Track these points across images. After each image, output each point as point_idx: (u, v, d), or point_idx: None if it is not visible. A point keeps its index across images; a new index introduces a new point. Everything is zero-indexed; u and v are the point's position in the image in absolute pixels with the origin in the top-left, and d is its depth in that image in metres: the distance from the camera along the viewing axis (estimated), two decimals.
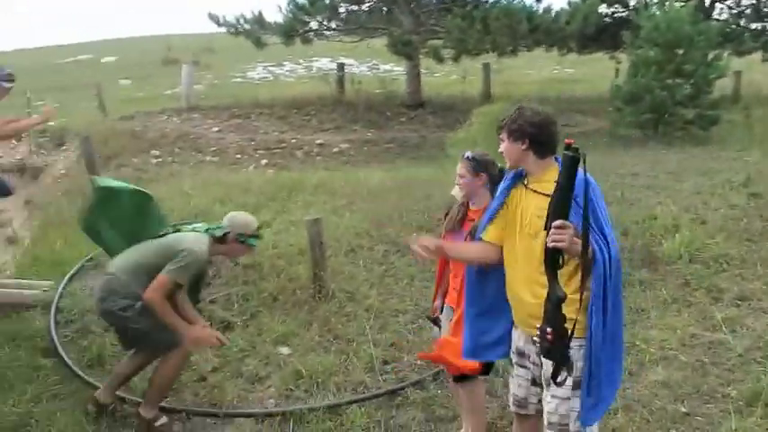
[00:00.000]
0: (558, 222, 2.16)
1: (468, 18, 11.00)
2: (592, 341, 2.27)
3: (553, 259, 2.22)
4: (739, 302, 4.36)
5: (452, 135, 11.14)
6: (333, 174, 8.59)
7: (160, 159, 9.83)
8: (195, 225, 3.51)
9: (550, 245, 2.19)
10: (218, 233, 3.33)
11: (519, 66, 19.14)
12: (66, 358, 3.88)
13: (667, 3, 10.34)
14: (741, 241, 5.28)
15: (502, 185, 2.55)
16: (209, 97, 14.82)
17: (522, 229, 2.41)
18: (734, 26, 13.81)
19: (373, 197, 6.97)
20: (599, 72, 17.08)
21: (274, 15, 13.32)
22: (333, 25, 12.84)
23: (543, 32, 10.48)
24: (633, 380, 3.65)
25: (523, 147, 2.39)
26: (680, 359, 3.85)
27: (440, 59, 11.33)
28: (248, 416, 3.44)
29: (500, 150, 2.50)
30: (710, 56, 10.24)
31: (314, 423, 3.37)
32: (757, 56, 15.34)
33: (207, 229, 3.38)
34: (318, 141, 11.16)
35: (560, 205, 2.18)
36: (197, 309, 3.54)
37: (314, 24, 12.63)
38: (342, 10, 12.85)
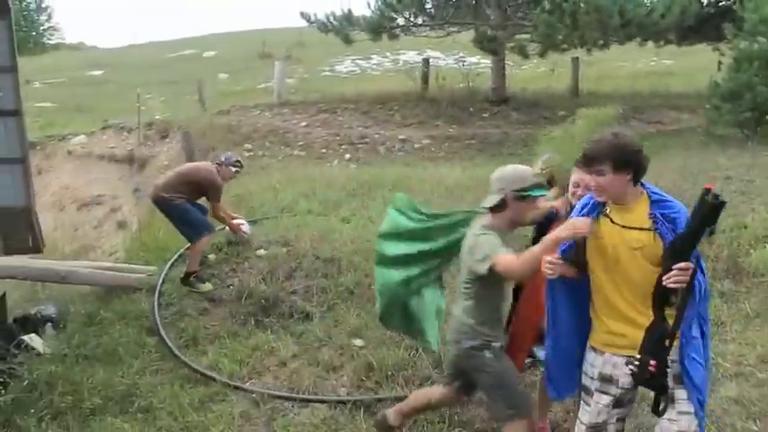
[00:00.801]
0: (682, 264, 2.18)
1: (557, 12, 10.77)
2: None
3: (664, 296, 2.27)
4: None
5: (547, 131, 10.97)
6: (412, 170, 8.79)
7: (252, 153, 10.42)
8: (453, 216, 3.26)
9: (671, 285, 2.21)
10: (492, 202, 2.85)
11: (612, 58, 18.40)
12: (166, 338, 4.35)
13: None
14: None
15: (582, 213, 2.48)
16: (299, 91, 15.47)
17: (612, 261, 2.38)
18: None
19: (450, 195, 7.11)
20: (701, 64, 16.12)
21: (363, 12, 13.63)
22: (419, 21, 12.96)
23: (636, 26, 10.07)
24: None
25: (628, 177, 2.33)
26: (757, 376, 3.75)
27: (525, 56, 11.19)
28: (322, 402, 3.73)
29: (593, 185, 2.41)
30: None
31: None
32: None
33: (469, 212, 3.14)
34: (401, 137, 11.38)
35: (687, 246, 2.21)
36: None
37: (401, 20, 12.80)
38: (428, 6, 12.93)
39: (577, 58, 13.51)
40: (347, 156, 10.62)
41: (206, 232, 5.12)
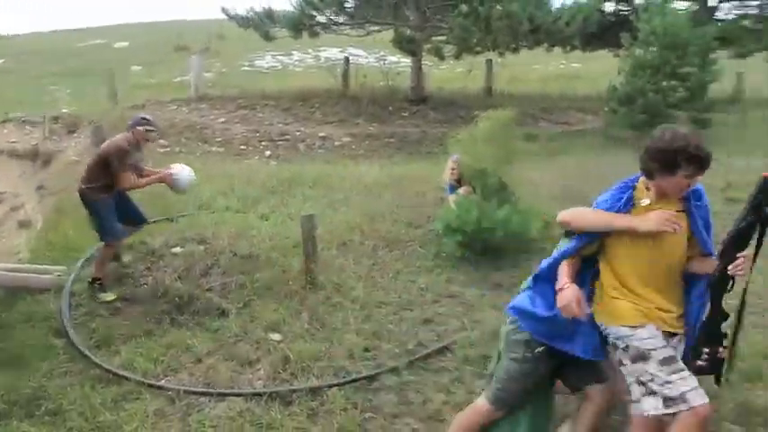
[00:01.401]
0: (746, 253, 2.32)
1: (472, 15, 11.22)
2: None
3: (724, 283, 2.38)
4: None
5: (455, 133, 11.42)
6: (332, 168, 8.93)
7: (168, 149, 10.19)
8: None
9: (738, 274, 2.33)
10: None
11: (525, 60, 19.29)
12: (74, 339, 4.25)
13: (667, 4, 10.50)
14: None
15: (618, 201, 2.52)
16: (217, 86, 15.18)
17: (658, 241, 2.45)
18: (736, 28, 13.92)
19: (368, 193, 7.31)
20: (604, 69, 17.20)
21: (283, 8, 13.52)
22: (340, 19, 13.07)
23: (544, 33, 10.71)
24: None
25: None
26: None
27: (441, 57, 11.58)
28: (238, 395, 3.80)
29: (690, 186, 2.43)
30: (706, 59, 10.45)
31: (297, 403, 3.72)
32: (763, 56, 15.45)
33: None
34: (321, 134, 11.48)
35: (749, 236, 2.33)
36: None
37: (321, 18, 12.86)
38: (349, 5, 13.07)
39: (491, 60, 14.10)
40: (267, 153, 10.61)
41: (113, 240, 4.97)
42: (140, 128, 4.96)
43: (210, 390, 3.85)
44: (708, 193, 6.57)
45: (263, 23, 12.94)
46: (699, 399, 2.32)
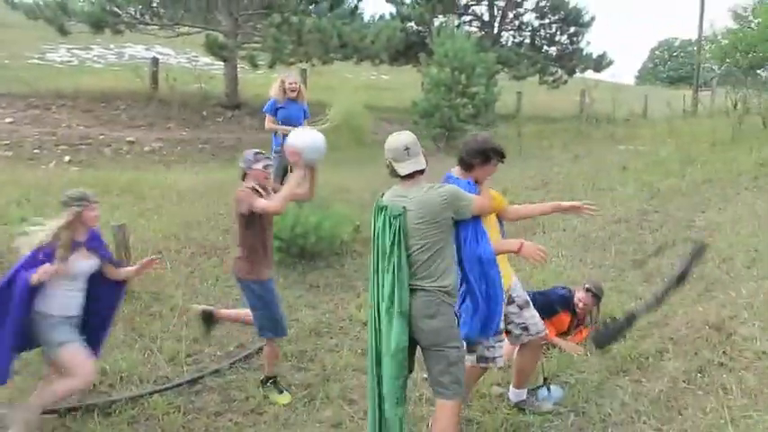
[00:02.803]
0: None
1: (285, 25, 11.54)
2: None
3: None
4: None
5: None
6: (143, 175, 8.58)
7: None
8: None
9: None
10: (422, 163, 3.02)
11: (340, 69, 20.17)
12: None
13: (457, 30, 11.90)
14: None
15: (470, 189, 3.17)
16: None
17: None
18: (515, 54, 16.18)
19: (182, 200, 7.24)
20: (411, 82, 18.71)
21: (83, 3, 12.47)
22: (147, 19, 12.46)
23: (352, 48, 11.45)
24: None
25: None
26: None
27: (255, 65, 11.72)
28: (51, 412, 3.68)
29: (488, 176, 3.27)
30: (490, 81, 12.07)
31: (117, 413, 3.74)
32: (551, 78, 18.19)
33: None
34: (129, 138, 10.88)
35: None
36: None
37: (125, 17, 12.13)
38: (155, 4, 12.52)
39: (305, 69, 14.55)
40: (66, 158, 9.79)
41: None
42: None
43: (19, 406, 3.68)
44: None
45: (56, 17, 11.81)
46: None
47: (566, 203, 3.62)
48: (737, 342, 3.36)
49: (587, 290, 4.40)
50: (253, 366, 4.40)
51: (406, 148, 2.97)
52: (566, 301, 4.40)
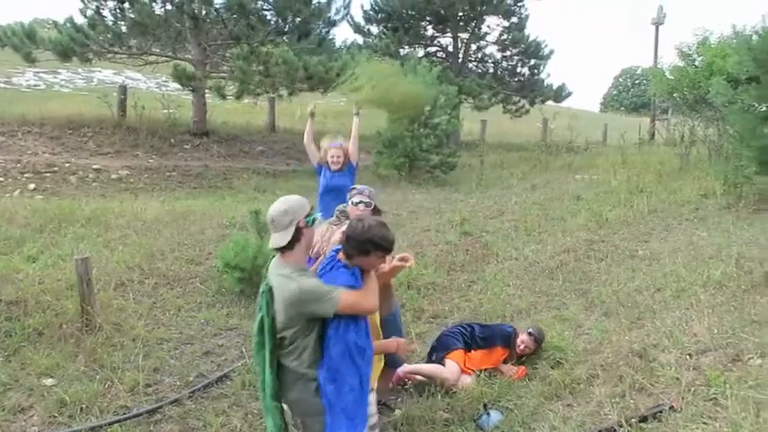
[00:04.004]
0: None
1: (252, 56, 11.83)
2: None
3: None
4: (432, 320, 5.83)
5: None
6: (109, 203, 8.68)
7: None
8: None
9: None
10: (287, 239, 2.77)
11: (309, 95, 20.51)
12: None
13: (420, 63, 12.33)
14: (446, 272, 6.92)
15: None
16: None
17: None
18: (476, 85, 16.75)
19: (148, 230, 7.38)
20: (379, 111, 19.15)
21: (48, 31, 12.56)
22: (116, 49, 12.60)
23: (318, 80, 11.77)
24: None
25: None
26: None
27: (223, 96, 11.96)
28: None
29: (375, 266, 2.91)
30: (452, 111, 12.52)
31: None
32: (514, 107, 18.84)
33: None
34: (95, 166, 10.95)
35: None
36: None
37: (94, 46, 12.25)
38: (124, 32, 12.66)
39: (274, 98, 14.82)
40: (31, 186, 9.83)
41: None
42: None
43: None
44: (447, 226, 8.03)
45: (22, 45, 11.87)
46: None
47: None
48: (656, 368, 3.68)
49: (530, 334, 4.72)
50: (212, 395, 4.56)
51: (272, 221, 2.77)
52: (507, 339, 4.73)
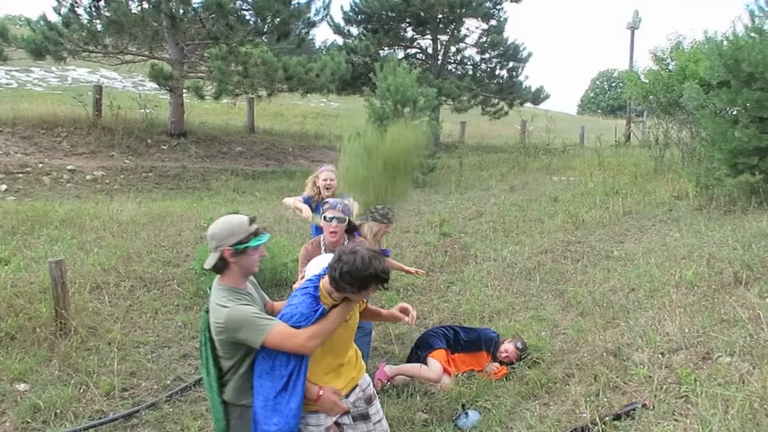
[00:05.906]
0: None
1: (231, 56, 11.75)
2: None
3: None
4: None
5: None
6: (83, 204, 8.57)
7: None
8: None
9: None
10: (211, 263, 2.65)
11: (289, 96, 20.47)
12: None
13: (400, 65, 12.36)
14: (425, 273, 6.94)
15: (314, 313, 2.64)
16: None
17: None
18: (456, 87, 16.85)
19: (124, 232, 7.29)
20: (361, 108, 19.18)
21: (21, 29, 12.32)
22: (91, 48, 12.41)
23: (297, 81, 11.74)
24: None
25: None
26: None
27: (201, 97, 11.86)
28: None
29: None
30: (431, 113, 12.57)
31: None
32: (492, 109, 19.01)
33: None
34: (70, 167, 10.78)
35: None
36: None
37: (69, 45, 12.06)
38: (99, 30, 12.47)
39: (253, 98, 14.74)
40: (3, 187, 9.64)
41: None
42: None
43: None
44: (427, 228, 8.08)
45: None
46: None
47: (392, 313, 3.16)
48: (630, 367, 3.75)
49: (518, 348, 4.75)
50: (190, 398, 4.53)
51: (212, 238, 2.66)
52: (490, 344, 4.76)
